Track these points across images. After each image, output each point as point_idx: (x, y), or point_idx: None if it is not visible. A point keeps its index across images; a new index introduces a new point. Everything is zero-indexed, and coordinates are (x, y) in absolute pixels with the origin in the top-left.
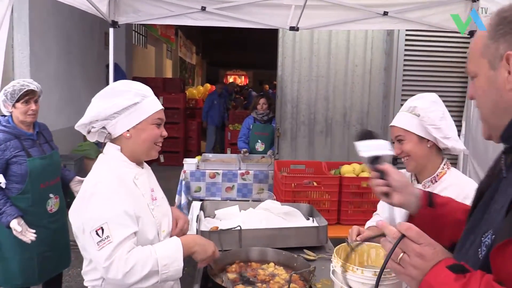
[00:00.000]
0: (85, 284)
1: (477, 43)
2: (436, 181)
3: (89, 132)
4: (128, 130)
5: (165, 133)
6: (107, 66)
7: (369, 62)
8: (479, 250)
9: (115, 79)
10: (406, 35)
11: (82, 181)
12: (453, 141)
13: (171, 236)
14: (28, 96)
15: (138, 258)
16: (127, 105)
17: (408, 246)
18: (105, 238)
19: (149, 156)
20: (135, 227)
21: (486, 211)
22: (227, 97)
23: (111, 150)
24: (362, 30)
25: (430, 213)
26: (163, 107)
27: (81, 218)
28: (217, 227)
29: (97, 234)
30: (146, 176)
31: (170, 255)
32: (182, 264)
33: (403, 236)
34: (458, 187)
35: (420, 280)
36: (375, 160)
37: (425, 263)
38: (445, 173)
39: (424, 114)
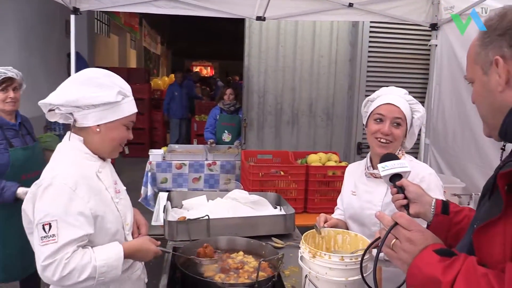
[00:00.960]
0: None
1: (471, 51)
2: None
3: (50, 110)
4: (98, 125)
5: (131, 136)
6: (68, 55)
7: (335, 53)
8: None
9: (77, 69)
10: (371, 27)
11: None
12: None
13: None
14: (5, 83)
15: (77, 264)
16: (107, 102)
17: (399, 232)
18: (50, 236)
19: (111, 155)
20: (88, 229)
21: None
22: (192, 87)
23: (73, 141)
24: (327, 21)
25: (445, 221)
26: (137, 110)
27: (34, 206)
28: (185, 217)
29: (43, 228)
30: (109, 169)
31: (110, 264)
32: (120, 273)
33: (395, 223)
34: (414, 170)
35: (410, 263)
36: (394, 178)
37: (414, 247)
38: (401, 158)
39: (423, 115)
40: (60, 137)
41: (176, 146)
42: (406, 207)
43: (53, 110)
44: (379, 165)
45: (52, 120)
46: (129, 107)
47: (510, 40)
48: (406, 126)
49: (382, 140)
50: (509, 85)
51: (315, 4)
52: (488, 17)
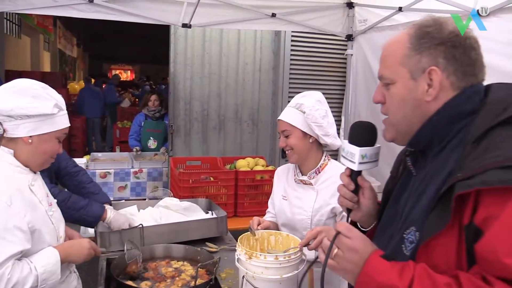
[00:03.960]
0: None
1: (396, 51)
2: (320, 172)
3: None
4: (30, 136)
5: (61, 150)
6: None
7: (259, 61)
8: (403, 246)
9: None
10: (292, 36)
11: None
12: (332, 138)
13: None
14: None
15: (18, 277)
16: (43, 113)
17: (341, 241)
18: None
19: (41, 167)
20: (26, 245)
21: (398, 208)
22: (112, 91)
23: (3, 154)
24: (251, 30)
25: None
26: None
27: None
28: None
29: None
30: (40, 181)
31: (49, 270)
32: (59, 276)
33: (338, 233)
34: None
35: (357, 272)
36: (359, 172)
37: (358, 257)
38: (327, 164)
39: (309, 112)
40: None
41: (99, 154)
42: (348, 210)
43: None
44: (357, 151)
45: None
46: (64, 120)
47: (447, 52)
48: (301, 131)
49: (286, 152)
50: (436, 97)
51: (240, 13)
52: (423, 22)
